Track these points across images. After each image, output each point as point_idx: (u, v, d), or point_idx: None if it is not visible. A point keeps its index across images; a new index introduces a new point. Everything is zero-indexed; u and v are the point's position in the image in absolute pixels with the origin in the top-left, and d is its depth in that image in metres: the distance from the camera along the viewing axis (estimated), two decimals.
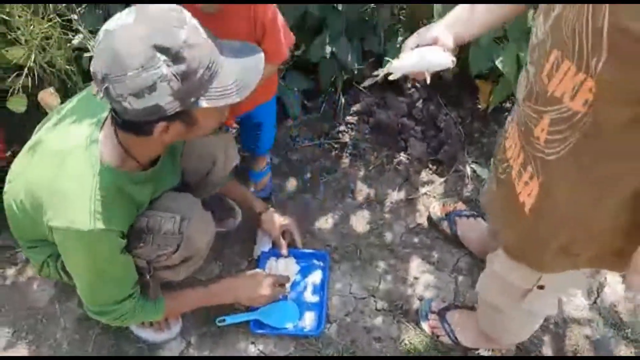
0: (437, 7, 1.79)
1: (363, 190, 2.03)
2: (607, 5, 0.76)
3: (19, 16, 1.56)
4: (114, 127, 1.16)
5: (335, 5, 1.92)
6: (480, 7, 1.13)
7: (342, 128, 2.17)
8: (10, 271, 1.80)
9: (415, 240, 1.90)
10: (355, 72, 2.07)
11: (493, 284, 1.34)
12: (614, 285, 1.79)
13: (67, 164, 1.16)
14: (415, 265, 1.83)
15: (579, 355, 1.67)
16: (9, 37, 1.73)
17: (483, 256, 1.69)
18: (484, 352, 1.64)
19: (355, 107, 2.20)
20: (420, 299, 1.75)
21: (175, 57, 0.98)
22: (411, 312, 1.72)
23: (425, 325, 1.68)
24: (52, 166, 1.18)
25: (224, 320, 1.63)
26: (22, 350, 1.64)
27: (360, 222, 1.94)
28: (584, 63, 0.82)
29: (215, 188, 1.64)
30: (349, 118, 2.19)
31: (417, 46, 1.11)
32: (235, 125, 1.89)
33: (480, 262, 1.76)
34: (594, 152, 0.91)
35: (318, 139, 2.15)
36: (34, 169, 1.24)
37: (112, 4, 1.83)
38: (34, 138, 1.33)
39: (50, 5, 1.60)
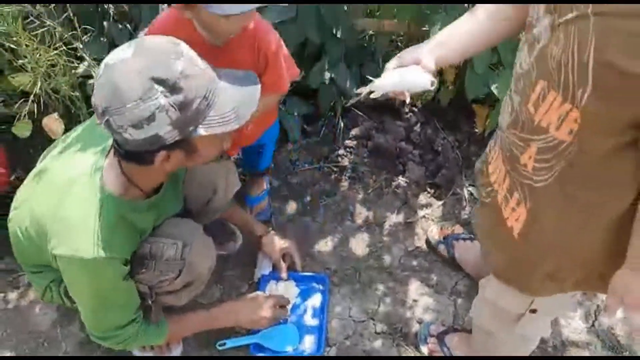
0: (434, 33, 1.83)
1: (362, 213, 2.05)
2: (593, 40, 0.79)
3: (27, 45, 1.60)
4: (117, 157, 1.19)
5: (334, 32, 1.97)
6: (464, 31, 1.15)
7: (341, 152, 2.20)
8: (13, 295, 1.81)
9: (414, 263, 1.92)
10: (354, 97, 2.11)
11: (486, 309, 1.35)
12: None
13: (72, 192, 1.19)
14: (414, 288, 1.85)
15: None
16: (15, 64, 1.77)
17: (480, 279, 1.72)
18: None
19: (354, 131, 2.23)
20: (420, 322, 1.76)
21: (172, 88, 1.01)
22: (410, 336, 1.73)
23: (424, 349, 1.69)
24: (57, 194, 1.20)
25: (224, 343, 1.64)
26: None
27: (359, 245, 1.96)
28: (570, 94, 0.85)
29: (216, 214, 1.66)
30: (348, 142, 2.22)
31: (400, 67, 1.13)
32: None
33: (478, 285, 1.77)
34: (579, 180, 0.94)
35: (317, 162, 2.18)
36: (39, 197, 1.26)
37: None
38: (39, 166, 1.36)
39: (57, 33, 1.64)
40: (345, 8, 2.01)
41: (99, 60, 1.78)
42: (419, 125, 2.22)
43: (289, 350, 1.65)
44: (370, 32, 2.21)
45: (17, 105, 1.77)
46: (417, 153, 2.17)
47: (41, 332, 1.72)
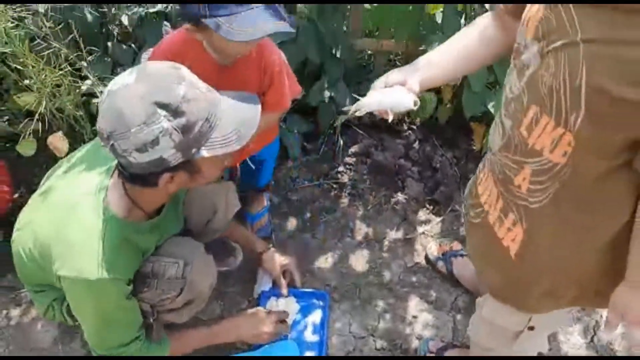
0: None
1: (362, 230, 2.07)
2: (584, 67, 0.81)
3: (32, 66, 1.63)
4: (121, 178, 1.21)
5: (333, 52, 2.01)
6: (452, 54, 1.17)
7: (341, 169, 2.23)
8: (15, 312, 1.82)
9: (414, 279, 1.93)
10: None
11: (483, 327, 1.35)
12: None
13: (76, 214, 1.20)
14: (414, 304, 1.86)
15: None
16: (21, 84, 1.81)
17: (479, 294, 1.73)
18: None
19: (354, 149, 2.26)
20: (419, 338, 1.77)
21: (174, 111, 1.04)
22: (410, 352, 1.74)
23: None
24: (61, 215, 1.22)
25: None
26: None
27: (359, 261, 1.98)
28: (563, 119, 0.87)
29: (216, 234, 1.68)
30: (347, 159, 2.25)
31: (387, 87, 1.15)
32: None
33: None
34: (574, 201, 0.95)
35: (317, 179, 2.21)
36: (43, 218, 1.27)
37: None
38: (43, 187, 1.37)
39: (62, 54, 1.68)
40: (345, 29, 2.05)
41: (102, 80, 1.82)
42: (417, 142, 2.25)
43: None
44: (369, 51, 2.26)
45: (22, 124, 1.79)
46: (415, 170, 2.19)
47: (43, 349, 1.73)
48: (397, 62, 2.28)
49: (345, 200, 2.16)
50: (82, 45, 1.69)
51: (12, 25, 1.56)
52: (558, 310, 1.16)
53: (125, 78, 1.06)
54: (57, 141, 1.80)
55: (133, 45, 2.00)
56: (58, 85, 1.75)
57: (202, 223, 1.61)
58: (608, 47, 0.79)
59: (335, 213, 2.11)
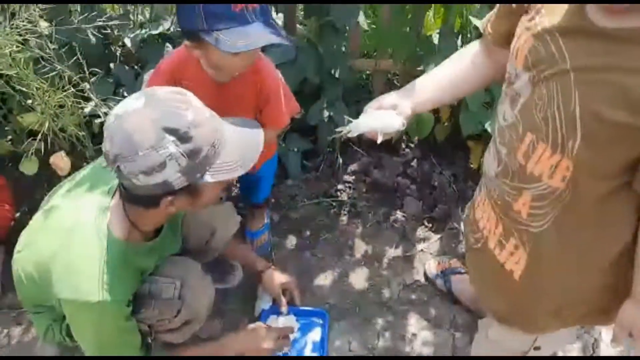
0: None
1: (361, 248, 2.08)
2: (576, 93, 0.83)
3: (37, 87, 1.66)
4: (122, 199, 1.22)
5: (332, 73, 2.04)
6: (445, 79, 1.20)
7: (340, 187, 2.25)
8: (16, 330, 1.82)
9: (413, 296, 1.94)
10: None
11: (489, 349, 1.35)
12: (608, 341, 1.82)
13: (76, 236, 1.21)
14: (413, 322, 1.86)
15: None
16: (23, 104, 1.83)
17: (479, 312, 1.74)
18: None
19: (353, 167, 2.29)
20: (419, 356, 1.78)
21: (182, 137, 1.05)
22: None
23: None
24: (61, 238, 1.22)
25: None
26: None
27: (358, 279, 1.98)
28: (559, 145, 0.88)
29: (215, 253, 1.69)
30: (346, 177, 2.27)
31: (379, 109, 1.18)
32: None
33: (479, 319, 1.79)
34: (575, 223, 0.96)
35: (317, 197, 2.22)
36: (43, 240, 1.28)
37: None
38: (45, 205, 1.37)
39: (66, 76, 1.71)
40: (344, 49, 2.09)
41: (105, 100, 1.84)
42: (415, 161, 2.27)
43: None
44: (367, 71, 2.29)
45: (25, 144, 1.82)
46: (414, 188, 2.21)
47: None
48: (395, 82, 2.32)
49: (344, 218, 2.18)
50: (85, 67, 1.72)
51: (17, 49, 1.58)
52: (565, 329, 1.17)
53: (133, 103, 1.07)
54: (59, 160, 1.82)
55: (136, 66, 2.03)
56: (61, 106, 1.77)
57: (201, 243, 1.62)
58: (599, 74, 0.81)
59: (334, 231, 2.13)
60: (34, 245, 1.30)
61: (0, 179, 1.96)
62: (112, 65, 2.01)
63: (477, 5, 1.92)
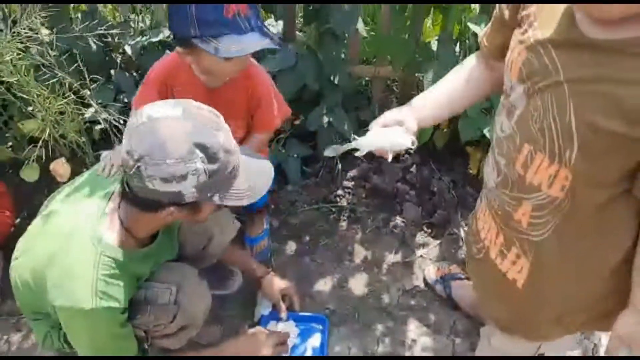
0: (427, 80, 1.92)
1: (360, 253, 2.08)
2: (571, 104, 0.84)
3: (37, 94, 1.67)
4: (119, 204, 1.23)
5: (331, 79, 2.05)
6: (444, 95, 1.22)
7: (339, 193, 2.26)
8: (15, 337, 1.82)
9: (412, 302, 1.94)
10: (351, 139, 2.17)
11: (492, 355, 1.36)
12: None
13: (71, 243, 1.21)
14: (413, 328, 1.86)
15: None
16: (24, 111, 1.84)
17: (479, 318, 1.74)
18: None
19: (352, 173, 2.29)
20: (419, 356, 1.77)
21: (210, 156, 1.08)
22: None
23: None
24: (57, 245, 1.23)
25: None
26: None
27: (358, 284, 1.98)
28: (557, 155, 0.89)
29: (212, 260, 1.69)
30: (346, 183, 2.28)
31: (384, 127, 1.18)
32: None
33: (479, 325, 1.79)
34: (576, 231, 0.97)
35: (317, 203, 2.23)
36: (39, 247, 1.28)
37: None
38: (44, 211, 1.37)
39: (66, 83, 1.72)
40: (343, 56, 2.10)
41: (105, 107, 1.85)
42: (415, 166, 2.28)
43: None
44: (367, 78, 2.30)
45: (25, 150, 1.82)
46: (413, 194, 2.22)
47: None
48: (394, 88, 2.33)
49: (344, 224, 2.18)
50: (86, 74, 1.73)
51: (18, 56, 1.59)
52: (568, 335, 1.18)
53: (170, 110, 1.09)
54: (60, 167, 1.83)
55: (136, 73, 2.05)
56: (62, 113, 1.78)
57: (198, 249, 1.62)
58: (591, 85, 0.82)
59: (334, 236, 2.13)
60: (31, 252, 1.30)
61: (0, 186, 1.97)
62: (112, 72, 2.03)
63: (476, 12, 1.93)
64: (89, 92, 1.81)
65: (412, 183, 2.24)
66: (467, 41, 2.07)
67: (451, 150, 2.29)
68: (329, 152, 1.27)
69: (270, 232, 2.08)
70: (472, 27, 1.85)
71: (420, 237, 2.14)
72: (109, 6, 2.29)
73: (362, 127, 2.24)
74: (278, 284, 1.81)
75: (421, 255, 2.08)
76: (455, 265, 1.96)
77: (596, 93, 0.81)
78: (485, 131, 1.94)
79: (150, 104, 1.12)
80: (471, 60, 1.21)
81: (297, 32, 2.13)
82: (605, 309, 1.08)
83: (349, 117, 2.15)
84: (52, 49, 1.70)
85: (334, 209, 2.22)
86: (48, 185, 2.05)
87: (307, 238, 2.13)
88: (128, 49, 1.96)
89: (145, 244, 1.33)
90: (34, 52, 1.74)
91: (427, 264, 2.02)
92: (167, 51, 1.96)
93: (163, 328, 1.38)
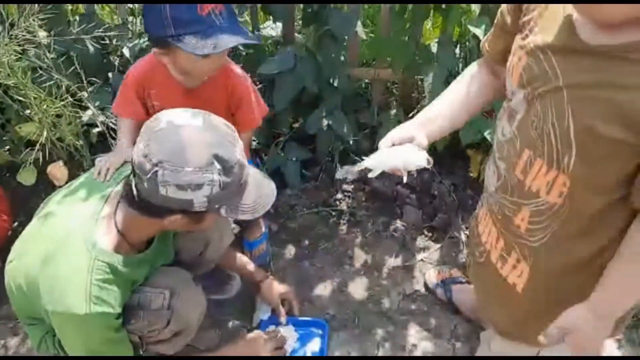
0: (427, 82, 1.91)
1: (360, 257, 2.07)
2: (570, 110, 0.84)
3: (35, 97, 1.66)
4: (115, 207, 1.21)
5: (331, 82, 2.04)
6: (447, 108, 1.20)
7: (339, 196, 2.24)
8: (12, 341, 1.81)
9: (413, 306, 1.92)
10: (351, 142, 2.17)
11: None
12: (609, 350, 1.80)
13: (65, 247, 1.20)
14: (413, 332, 1.85)
15: None
16: (21, 114, 1.83)
17: (480, 322, 1.72)
18: None
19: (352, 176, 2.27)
20: (419, 356, 1.76)
21: (227, 169, 1.09)
22: None
23: None
24: (50, 249, 1.21)
25: None
26: None
27: (358, 289, 1.97)
28: (555, 161, 0.89)
29: (210, 265, 1.67)
30: (345, 186, 2.27)
31: (392, 145, 1.13)
32: None
33: (480, 329, 1.77)
34: (574, 237, 0.97)
35: (316, 207, 2.21)
36: (33, 251, 1.26)
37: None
38: (40, 213, 1.36)
39: (63, 86, 1.71)
40: (342, 58, 2.09)
41: (103, 109, 1.84)
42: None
43: None
44: (366, 80, 2.29)
45: (23, 154, 1.81)
46: (414, 197, 2.20)
47: None
48: (394, 91, 2.32)
49: (343, 228, 2.16)
50: (83, 77, 1.72)
51: (15, 58, 1.59)
52: None
53: (192, 119, 1.10)
54: (57, 170, 1.82)
55: None
56: (59, 116, 1.77)
57: (194, 255, 1.60)
58: (590, 91, 0.82)
59: (333, 240, 2.12)
60: (25, 256, 1.29)
61: None
62: (110, 74, 2.02)
63: (476, 14, 1.92)
64: (86, 95, 1.80)
65: (412, 186, 2.22)
66: (467, 43, 2.06)
67: (452, 153, 2.27)
68: (340, 174, 1.26)
69: (269, 236, 2.07)
70: (472, 29, 1.83)
71: (420, 241, 2.12)
72: (107, 9, 2.28)
73: (361, 130, 2.23)
74: (277, 288, 1.79)
75: (422, 259, 2.06)
76: (456, 269, 1.94)
77: (595, 98, 0.81)
78: (486, 134, 1.93)
79: (168, 110, 1.13)
80: (472, 69, 1.21)
81: (296, 35, 2.12)
82: None
83: (348, 119, 2.13)
84: (49, 52, 1.69)
85: (333, 213, 2.20)
86: (45, 188, 2.04)
87: (307, 242, 2.11)
88: (126, 52, 1.95)
89: (141, 250, 1.32)
90: (32, 54, 1.74)
91: (428, 268, 2.00)
92: None
93: (157, 334, 1.36)
